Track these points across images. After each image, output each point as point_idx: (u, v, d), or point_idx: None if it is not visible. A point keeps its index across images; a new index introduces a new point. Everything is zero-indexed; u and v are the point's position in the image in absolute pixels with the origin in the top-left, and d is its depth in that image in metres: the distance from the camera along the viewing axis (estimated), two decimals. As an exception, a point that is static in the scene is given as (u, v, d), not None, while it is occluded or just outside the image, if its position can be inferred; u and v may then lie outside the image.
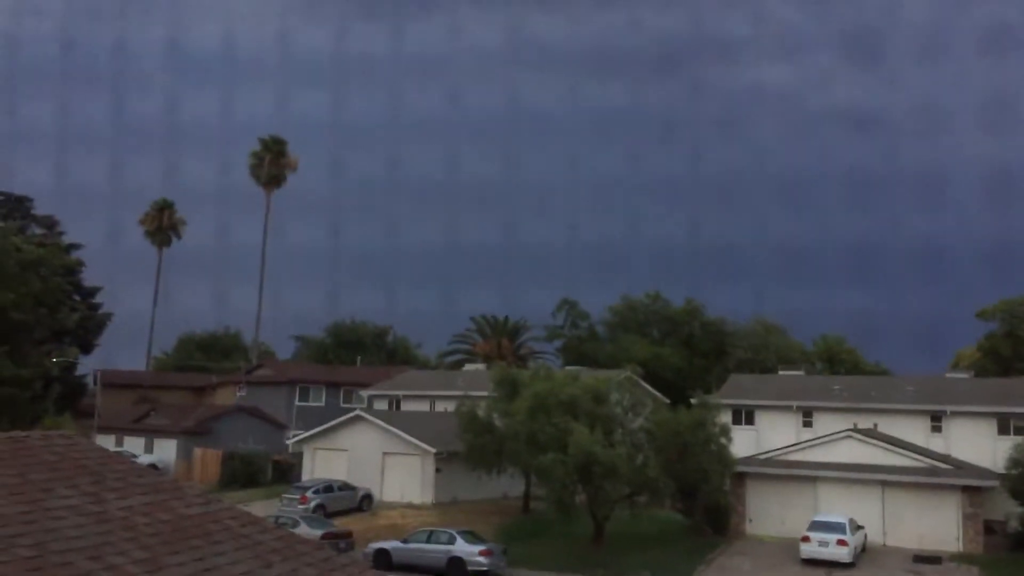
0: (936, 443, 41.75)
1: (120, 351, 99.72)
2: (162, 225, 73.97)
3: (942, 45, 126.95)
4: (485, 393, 42.21)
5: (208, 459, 52.10)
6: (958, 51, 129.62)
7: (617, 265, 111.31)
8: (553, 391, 36.72)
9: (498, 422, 39.03)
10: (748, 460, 39.81)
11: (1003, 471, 37.52)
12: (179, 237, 75.23)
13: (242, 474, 50.07)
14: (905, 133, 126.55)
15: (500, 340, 77.47)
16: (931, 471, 37.35)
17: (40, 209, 70.57)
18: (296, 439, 49.07)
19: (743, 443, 41.87)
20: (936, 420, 43.00)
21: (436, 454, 42.81)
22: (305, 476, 45.88)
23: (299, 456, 48.36)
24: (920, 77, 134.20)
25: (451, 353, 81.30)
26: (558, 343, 75.77)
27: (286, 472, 50.47)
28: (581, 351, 70.04)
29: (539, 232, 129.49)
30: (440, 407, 52.54)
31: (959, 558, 34.49)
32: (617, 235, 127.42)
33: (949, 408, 42.83)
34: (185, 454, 54.15)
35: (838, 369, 64.19)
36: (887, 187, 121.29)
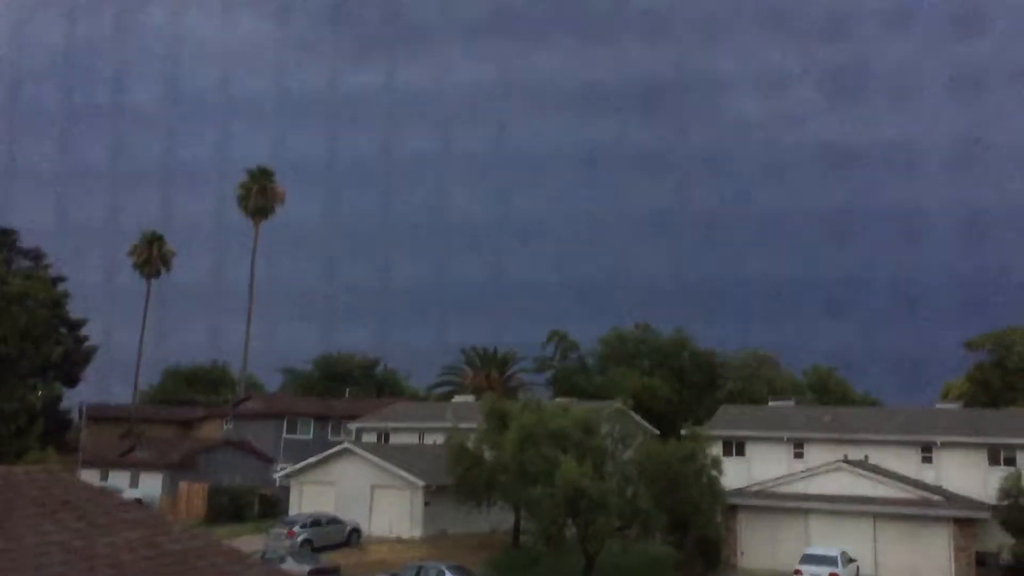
0: (927, 474, 41.65)
1: (106, 384, 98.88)
2: (151, 258, 73.67)
3: (919, 84, 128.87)
4: (474, 425, 41.96)
5: (194, 493, 51.52)
6: (934, 90, 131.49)
7: (607, 297, 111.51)
8: (542, 423, 36.52)
9: (487, 454, 38.76)
10: (739, 492, 39.61)
11: (994, 502, 37.43)
12: (168, 270, 74.88)
13: (229, 508, 49.48)
14: (885, 168, 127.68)
15: (490, 372, 77.17)
16: (922, 503, 37.23)
17: (27, 242, 70.27)
18: (283, 473, 48.60)
19: (734, 475, 41.69)
20: (927, 451, 42.92)
21: (425, 487, 42.45)
22: (293, 510, 45.39)
23: (287, 490, 47.88)
24: (898, 114, 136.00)
25: (440, 385, 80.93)
26: (548, 375, 75.56)
27: (273, 506, 49.94)
28: (571, 383, 69.81)
29: (529, 264, 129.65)
30: (429, 439, 52.19)
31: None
32: (607, 267, 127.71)
33: (939, 439, 42.77)
34: (171, 489, 53.54)
35: (828, 400, 64.11)
36: (872, 220, 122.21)
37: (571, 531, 35.04)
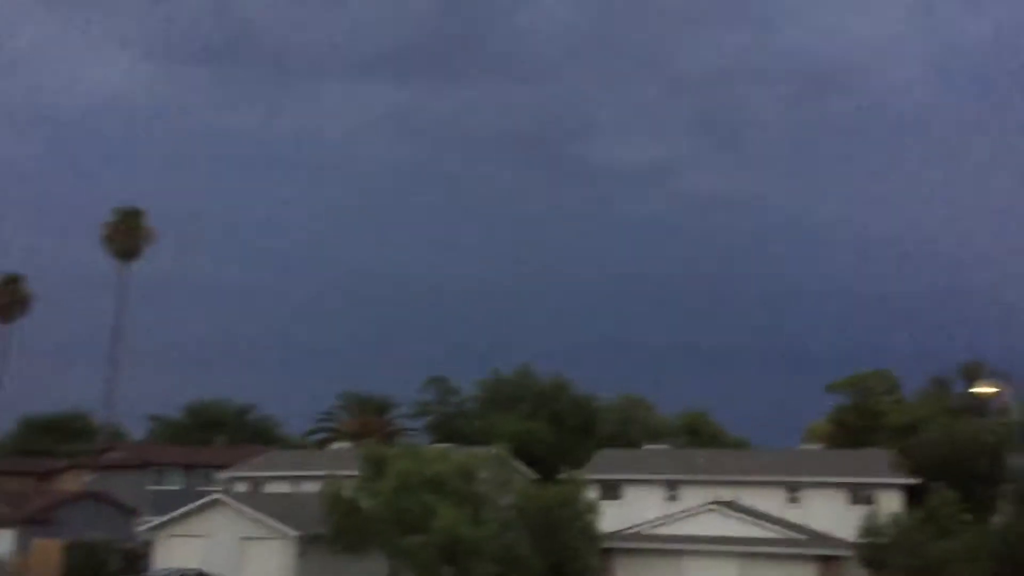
0: (794, 514, 43.02)
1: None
2: (8, 301, 69.89)
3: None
4: (352, 472, 41.09)
5: (49, 550, 48.52)
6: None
7: (488, 339, 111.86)
8: (419, 469, 36.08)
9: (364, 502, 37.97)
10: (616, 535, 40.00)
11: (857, 540, 38.94)
12: (26, 313, 71.14)
13: (86, 566, 46.79)
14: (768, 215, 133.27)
15: (368, 417, 76.02)
16: (788, 542, 38.41)
17: None
18: (148, 526, 46.37)
19: (611, 518, 42.07)
20: (793, 491, 44.41)
21: (299, 538, 41.19)
22: (157, 566, 43.30)
23: (152, 544, 45.68)
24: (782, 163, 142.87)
25: (317, 431, 79.22)
26: (428, 420, 74.99)
27: (136, 562, 47.55)
28: (451, 428, 69.44)
29: (410, 308, 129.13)
30: (305, 488, 50.82)
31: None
32: (489, 309, 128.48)
33: (805, 479, 44.34)
34: (24, 545, 50.32)
35: (701, 443, 65.70)
36: (739, 278, 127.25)
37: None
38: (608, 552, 38.94)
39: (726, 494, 43.72)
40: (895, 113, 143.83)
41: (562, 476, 39.20)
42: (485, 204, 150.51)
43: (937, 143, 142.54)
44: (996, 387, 33.84)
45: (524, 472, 51.08)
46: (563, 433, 69.60)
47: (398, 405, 78.86)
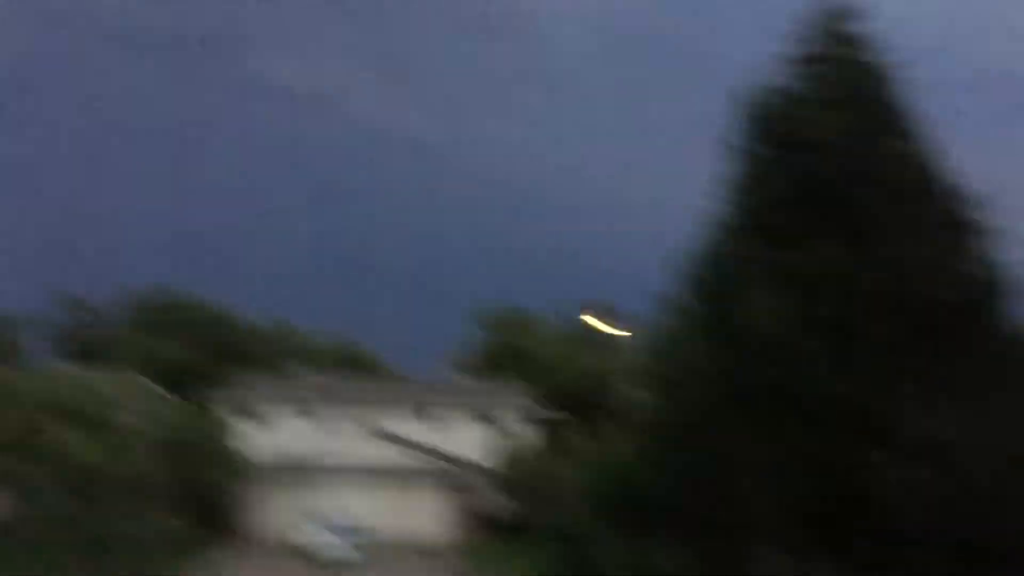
0: (435, 440, 44.95)
1: None
2: None
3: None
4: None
5: None
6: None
7: (124, 257, 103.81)
8: (45, 394, 33.05)
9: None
10: (259, 463, 39.48)
11: (492, 467, 41.61)
12: None
13: None
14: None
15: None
16: (429, 468, 40.27)
17: None
18: None
19: (255, 445, 41.41)
20: (435, 419, 46.35)
21: None
22: None
23: None
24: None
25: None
26: (57, 339, 68.58)
27: None
28: (85, 348, 64.05)
29: (34, 214, 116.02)
30: None
31: (453, 548, 37.53)
32: (123, 225, 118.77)
33: (445, 405, 46.51)
34: None
35: (351, 369, 66.34)
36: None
37: (76, 511, 32.17)
38: (251, 479, 38.36)
39: (373, 420, 44.63)
40: (556, 64, 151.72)
41: (204, 401, 37.82)
42: (123, 107, 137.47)
43: (594, 98, 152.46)
44: (609, 322, 36.89)
45: (165, 397, 48.55)
46: (208, 356, 66.92)
47: (23, 322, 71.27)
